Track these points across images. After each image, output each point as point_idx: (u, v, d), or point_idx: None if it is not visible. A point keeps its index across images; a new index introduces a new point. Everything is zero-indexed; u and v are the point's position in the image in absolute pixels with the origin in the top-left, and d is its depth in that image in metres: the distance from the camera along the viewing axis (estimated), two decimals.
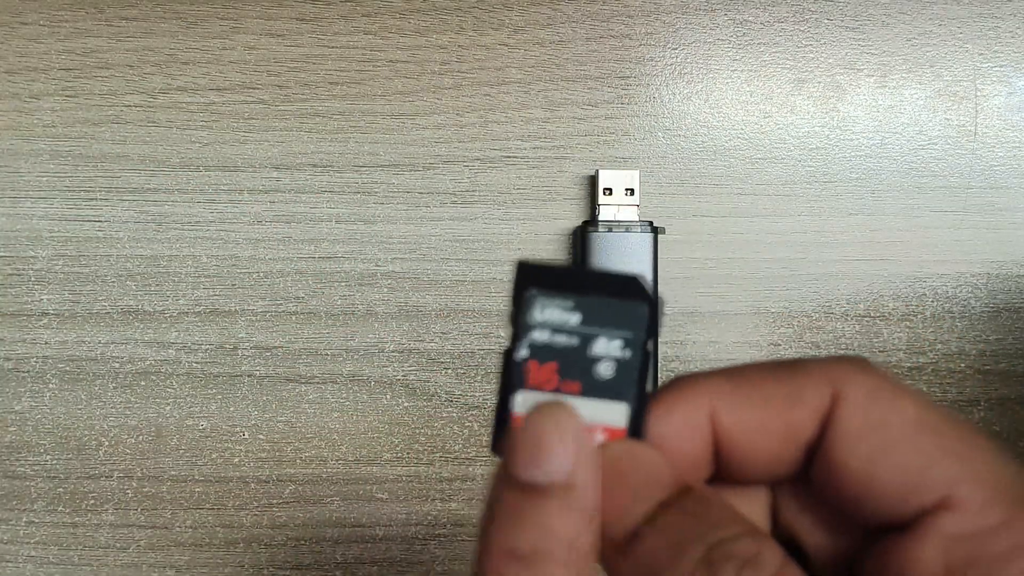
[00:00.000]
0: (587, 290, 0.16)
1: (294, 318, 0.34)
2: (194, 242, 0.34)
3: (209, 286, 0.34)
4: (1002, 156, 0.35)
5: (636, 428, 0.16)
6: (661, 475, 0.15)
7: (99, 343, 0.34)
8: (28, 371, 0.34)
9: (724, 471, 0.16)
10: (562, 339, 0.16)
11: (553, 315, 0.16)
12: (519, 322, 0.16)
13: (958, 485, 0.14)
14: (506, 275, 0.34)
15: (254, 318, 0.34)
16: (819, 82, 0.35)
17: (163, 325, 0.34)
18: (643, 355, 0.16)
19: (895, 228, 0.34)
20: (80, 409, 0.34)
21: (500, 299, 0.34)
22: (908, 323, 0.34)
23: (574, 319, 0.16)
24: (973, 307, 0.34)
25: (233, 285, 0.34)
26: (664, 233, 0.33)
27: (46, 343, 0.34)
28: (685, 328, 0.34)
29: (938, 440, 0.15)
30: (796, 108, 0.35)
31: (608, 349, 0.16)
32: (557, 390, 0.15)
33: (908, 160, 0.35)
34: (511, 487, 0.14)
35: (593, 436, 0.15)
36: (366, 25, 0.34)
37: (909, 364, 0.34)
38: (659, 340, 0.33)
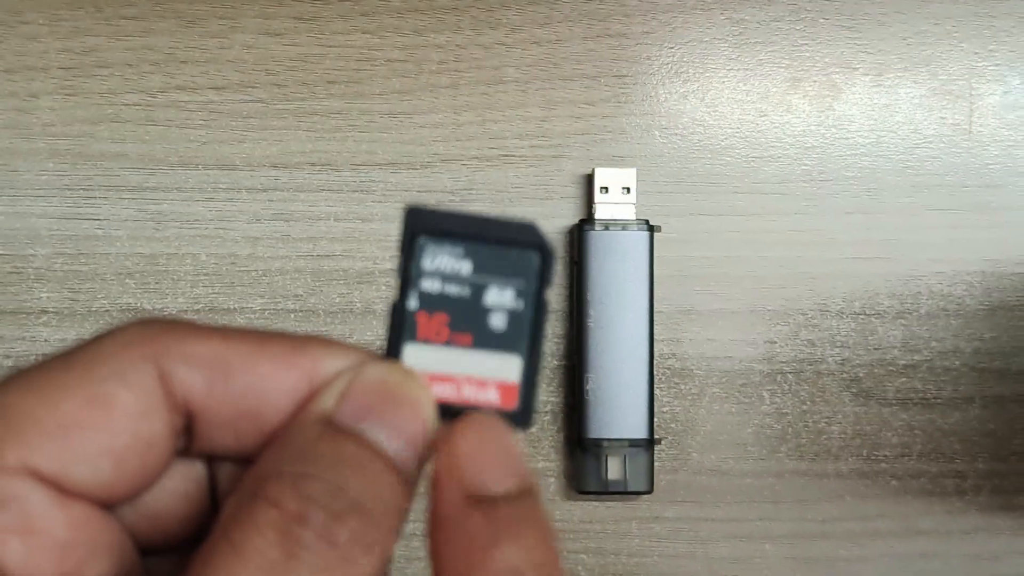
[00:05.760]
0: (480, 237, 0.15)
1: (292, 316, 0.34)
2: (193, 240, 0.34)
3: (208, 284, 0.34)
4: (997, 154, 0.35)
5: (529, 381, 0.15)
6: None
7: None
8: None
9: None
10: (453, 288, 0.15)
11: (444, 263, 0.15)
12: (408, 271, 0.15)
13: None
14: None
15: (252, 316, 0.34)
16: (815, 81, 0.35)
17: None
18: (536, 306, 0.15)
19: (891, 226, 0.35)
20: None
21: None
22: (903, 321, 0.34)
23: (465, 268, 0.15)
24: (968, 305, 0.35)
25: (232, 283, 0.34)
26: (660, 231, 0.33)
27: (45, 341, 0.34)
28: (681, 326, 0.34)
29: None
30: (792, 107, 0.35)
31: (501, 299, 0.15)
32: (448, 342, 0.15)
33: (904, 159, 0.35)
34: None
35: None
36: (364, 24, 0.34)
37: (904, 362, 0.34)
38: (656, 331, 0.33)
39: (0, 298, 0.34)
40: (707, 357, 0.34)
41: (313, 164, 0.34)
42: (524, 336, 0.15)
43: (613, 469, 0.32)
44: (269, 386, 0.14)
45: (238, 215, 0.34)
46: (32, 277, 0.34)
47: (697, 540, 0.34)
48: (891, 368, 0.34)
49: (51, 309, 0.34)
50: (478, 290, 0.15)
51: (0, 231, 0.34)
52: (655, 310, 0.33)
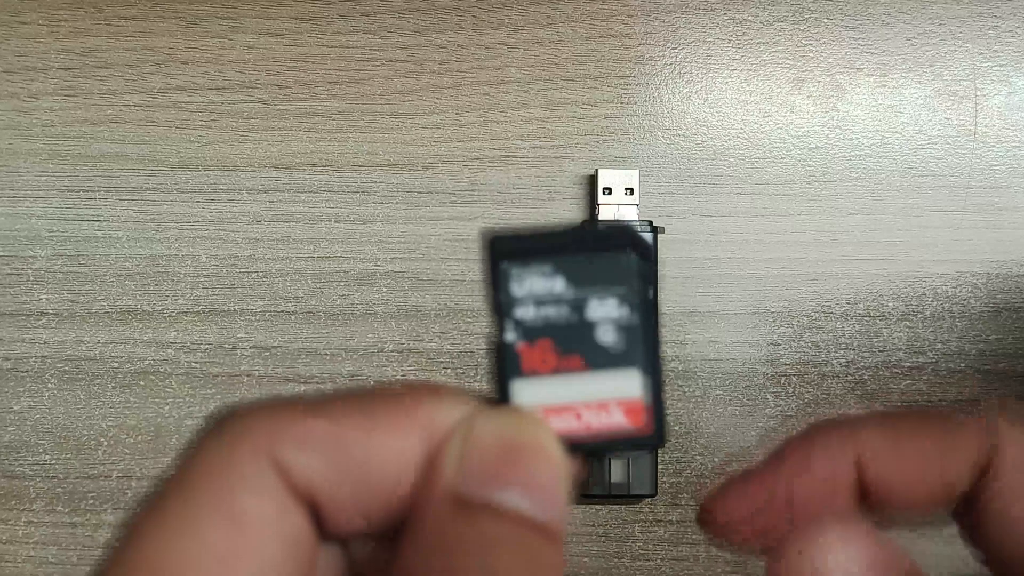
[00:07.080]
0: (566, 249, 0.14)
1: (293, 318, 0.34)
2: (193, 242, 0.34)
3: (208, 286, 0.34)
4: (1002, 156, 0.35)
5: (655, 394, 0.14)
6: None
7: (98, 343, 0.34)
8: (27, 371, 0.34)
9: (869, 509, 0.16)
10: (551, 310, 0.14)
11: (534, 285, 0.14)
12: (498, 302, 0.14)
13: None
14: None
15: (253, 318, 0.34)
16: (819, 81, 0.35)
17: (162, 325, 0.34)
18: (644, 310, 0.14)
19: (895, 228, 0.34)
20: (79, 409, 0.34)
21: None
22: (908, 323, 0.34)
23: (559, 285, 0.14)
24: (973, 307, 0.34)
25: (232, 285, 0.34)
26: (663, 233, 0.33)
27: (45, 343, 0.34)
28: (684, 328, 0.34)
29: None
30: (796, 107, 0.35)
31: (605, 311, 0.14)
32: (557, 369, 0.14)
33: (908, 160, 0.35)
34: None
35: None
36: (365, 24, 0.34)
37: (909, 364, 0.34)
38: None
39: (0, 300, 0.34)
40: (710, 359, 0.34)
41: (314, 165, 0.34)
42: (639, 345, 0.14)
43: (616, 472, 0.32)
44: (386, 455, 0.13)
45: (239, 216, 0.34)
46: (32, 278, 0.34)
47: (701, 543, 0.34)
48: (896, 370, 0.34)
49: (51, 311, 0.34)
50: (578, 306, 0.14)
51: (0, 232, 0.34)
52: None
